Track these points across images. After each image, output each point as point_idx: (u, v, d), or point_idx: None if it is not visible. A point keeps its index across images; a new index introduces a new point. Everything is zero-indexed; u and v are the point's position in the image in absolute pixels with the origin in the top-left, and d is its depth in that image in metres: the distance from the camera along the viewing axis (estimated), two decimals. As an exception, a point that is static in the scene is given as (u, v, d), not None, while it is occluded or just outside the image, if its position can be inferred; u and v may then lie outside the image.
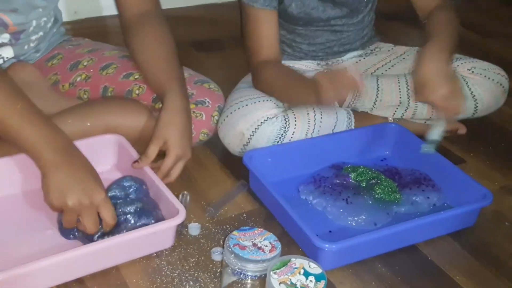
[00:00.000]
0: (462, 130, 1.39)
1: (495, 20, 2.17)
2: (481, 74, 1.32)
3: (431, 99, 1.12)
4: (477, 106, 1.32)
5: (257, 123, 1.20)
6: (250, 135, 1.20)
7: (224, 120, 1.23)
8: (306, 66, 1.43)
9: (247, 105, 1.22)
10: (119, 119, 1.16)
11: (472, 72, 1.32)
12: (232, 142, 1.23)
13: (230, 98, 1.28)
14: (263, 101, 1.23)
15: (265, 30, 1.30)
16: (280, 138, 1.21)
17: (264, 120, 1.20)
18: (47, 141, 0.91)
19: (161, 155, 1.09)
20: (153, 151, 1.08)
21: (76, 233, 0.98)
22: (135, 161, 1.08)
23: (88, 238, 0.96)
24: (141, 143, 1.13)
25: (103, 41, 1.42)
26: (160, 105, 1.17)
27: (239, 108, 1.22)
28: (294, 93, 1.24)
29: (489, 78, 1.32)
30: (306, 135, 1.23)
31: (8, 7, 1.11)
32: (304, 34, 1.38)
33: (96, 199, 0.91)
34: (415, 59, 1.19)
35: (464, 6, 2.21)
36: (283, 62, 1.40)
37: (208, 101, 1.22)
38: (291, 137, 1.22)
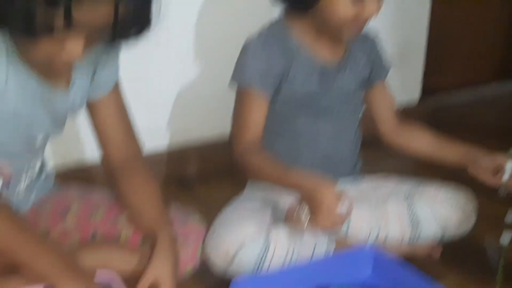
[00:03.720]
0: (436, 254, 1.45)
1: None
2: (447, 197, 1.41)
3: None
4: (445, 228, 1.40)
5: (241, 241, 1.25)
6: (235, 252, 1.26)
7: (211, 238, 1.28)
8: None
9: (232, 224, 1.29)
10: (109, 261, 1.21)
11: (438, 195, 1.41)
12: (217, 260, 1.27)
13: (218, 218, 1.36)
14: (248, 220, 1.31)
15: (254, 114, 1.39)
16: (263, 255, 1.26)
17: (248, 239, 1.26)
18: (55, 265, 1.04)
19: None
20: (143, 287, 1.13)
21: None
22: None
23: None
24: (128, 285, 1.17)
25: (91, 184, 1.48)
26: (148, 248, 1.22)
27: (225, 227, 1.29)
28: (274, 182, 1.35)
29: (454, 200, 1.42)
30: (287, 253, 1.29)
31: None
32: (305, 142, 1.48)
33: None
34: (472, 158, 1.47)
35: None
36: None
37: (192, 237, 1.28)
38: (273, 255, 1.27)
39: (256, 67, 1.40)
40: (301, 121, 1.48)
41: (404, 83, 2.17)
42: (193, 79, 1.92)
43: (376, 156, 1.79)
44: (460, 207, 1.42)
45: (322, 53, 1.43)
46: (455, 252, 1.46)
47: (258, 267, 1.27)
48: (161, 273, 1.13)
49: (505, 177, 1.36)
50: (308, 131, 1.49)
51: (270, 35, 1.40)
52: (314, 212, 1.21)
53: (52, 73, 1.17)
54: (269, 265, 1.28)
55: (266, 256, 1.26)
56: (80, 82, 1.23)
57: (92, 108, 1.30)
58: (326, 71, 1.44)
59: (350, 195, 1.25)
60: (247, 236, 1.27)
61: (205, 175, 1.96)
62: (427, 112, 2.49)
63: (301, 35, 1.41)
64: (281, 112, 1.47)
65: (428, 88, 2.57)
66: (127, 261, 1.21)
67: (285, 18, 1.42)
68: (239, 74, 1.43)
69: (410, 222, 1.39)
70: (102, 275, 1.15)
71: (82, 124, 1.37)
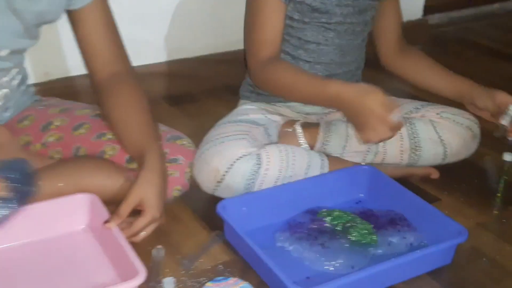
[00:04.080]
0: (435, 174, 1.40)
1: (462, 61, 2.23)
2: (449, 118, 1.36)
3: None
4: (446, 151, 1.35)
5: (232, 159, 1.20)
6: (225, 171, 1.20)
7: (200, 156, 1.23)
8: (287, 117, 1.44)
9: (223, 142, 1.23)
10: (93, 179, 1.15)
11: (441, 116, 1.36)
12: (206, 179, 1.22)
13: (208, 135, 1.29)
14: (239, 139, 1.24)
15: (273, 22, 1.30)
16: (254, 175, 1.21)
17: (239, 157, 1.20)
18: None
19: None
20: (125, 210, 1.06)
21: None
22: (106, 221, 1.07)
23: None
24: (114, 204, 1.12)
25: (78, 99, 1.43)
26: (135, 165, 1.17)
27: (215, 145, 1.23)
28: (308, 96, 1.28)
29: (457, 123, 1.36)
30: (280, 171, 1.23)
31: None
32: (311, 50, 1.39)
33: None
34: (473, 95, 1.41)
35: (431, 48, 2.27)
36: (264, 103, 1.43)
37: (181, 159, 1.22)
38: (265, 174, 1.22)
39: None
40: (310, 28, 1.37)
41: (406, 1, 2.06)
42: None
43: (379, 76, 1.71)
44: (462, 131, 1.36)
45: None
46: (453, 175, 1.42)
47: (248, 187, 1.22)
48: (147, 194, 1.06)
49: (504, 121, 1.33)
50: (315, 40, 1.39)
51: None
52: (362, 123, 1.14)
53: None
54: (260, 185, 1.23)
55: (257, 176, 1.21)
56: None
57: (75, 19, 1.21)
58: None
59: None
60: (237, 154, 1.21)
61: (196, 92, 1.89)
62: (428, 27, 2.42)
63: None
64: (291, 17, 1.37)
65: (430, 7, 2.48)
66: (111, 180, 1.15)
67: None
68: None
69: (410, 144, 1.34)
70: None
71: (65, 37, 1.28)
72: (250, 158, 1.21)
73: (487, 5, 2.79)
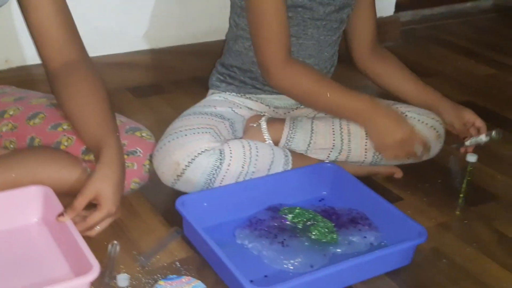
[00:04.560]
0: (399, 174, 1.40)
1: (432, 59, 2.23)
2: (414, 118, 1.35)
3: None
4: None
5: (194, 154, 1.18)
6: (186, 165, 1.18)
7: (161, 148, 1.20)
8: (255, 110, 1.42)
9: (186, 135, 1.21)
10: (48, 171, 1.12)
11: (406, 115, 1.35)
12: (166, 171, 1.20)
13: (171, 126, 1.26)
14: (202, 133, 1.22)
15: (285, 18, 1.26)
16: (215, 170, 1.19)
17: (202, 151, 1.18)
18: None
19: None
20: (80, 203, 1.03)
21: None
22: (60, 214, 1.04)
23: None
24: (70, 196, 1.09)
25: (36, 88, 1.39)
26: (91, 157, 1.14)
27: (177, 138, 1.20)
28: (332, 104, 1.28)
29: (422, 122, 1.35)
30: (243, 167, 1.21)
31: None
32: (291, 44, 1.34)
33: None
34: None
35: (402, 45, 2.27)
36: (233, 94, 1.41)
37: (139, 151, 1.19)
38: (227, 169, 1.20)
39: None
40: (291, 22, 1.32)
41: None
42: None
43: (350, 73, 1.71)
44: (427, 130, 1.36)
45: None
46: (417, 174, 1.42)
47: (209, 183, 1.20)
48: (103, 188, 1.03)
49: (468, 143, 1.42)
50: (295, 34, 1.35)
51: None
52: (385, 144, 1.24)
53: None
54: (222, 180, 1.21)
55: (218, 172, 1.19)
56: None
57: (23, 4, 1.16)
58: None
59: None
60: (200, 149, 1.19)
61: (162, 84, 1.86)
62: (399, 24, 2.41)
63: None
64: None
65: (402, 4, 2.47)
66: (67, 172, 1.12)
67: None
68: None
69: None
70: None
71: (23, 24, 1.23)
72: (213, 153, 1.19)
73: (460, 4, 2.80)
